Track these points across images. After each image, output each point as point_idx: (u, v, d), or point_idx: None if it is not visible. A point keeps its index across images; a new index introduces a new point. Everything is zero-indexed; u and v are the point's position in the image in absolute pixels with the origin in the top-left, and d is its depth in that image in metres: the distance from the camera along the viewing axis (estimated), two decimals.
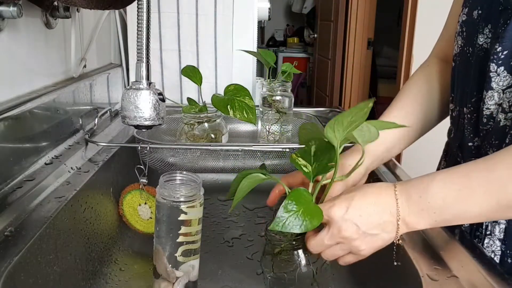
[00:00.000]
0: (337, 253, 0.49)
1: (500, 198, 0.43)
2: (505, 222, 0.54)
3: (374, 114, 2.99)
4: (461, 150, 0.60)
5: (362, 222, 0.46)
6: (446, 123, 0.67)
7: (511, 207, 0.43)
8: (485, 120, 0.54)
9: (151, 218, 0.73)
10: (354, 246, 0.48)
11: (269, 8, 1.09)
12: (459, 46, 0.58)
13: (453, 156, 0.64)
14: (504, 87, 0.51)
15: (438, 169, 0.70)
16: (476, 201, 0.43)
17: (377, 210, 0.47)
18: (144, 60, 0.57)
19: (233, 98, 0.82)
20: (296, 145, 0.82)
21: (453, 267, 0.47)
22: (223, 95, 0.86)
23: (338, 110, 1.12)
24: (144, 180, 0.71)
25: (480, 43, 0.54)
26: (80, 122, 0.83)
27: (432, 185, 0.45)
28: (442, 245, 0.51)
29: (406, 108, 0.63)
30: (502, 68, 0.51)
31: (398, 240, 0.48)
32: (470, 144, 0.58)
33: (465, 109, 0.58)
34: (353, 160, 0.56)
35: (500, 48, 0.50)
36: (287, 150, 0.79)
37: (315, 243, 0.49)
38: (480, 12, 0.54)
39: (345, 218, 0.47)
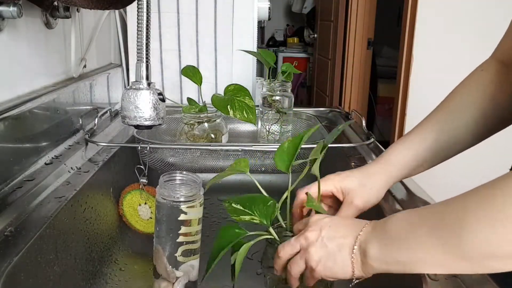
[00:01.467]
0: (296, 262, 0.47)
1: (450, 247, 0.37)
2: None
3: (374, 114, 3.00)
4: None
5: (327, 230, 0.45)
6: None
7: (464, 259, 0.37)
8: None
9: (151, 218, 0.73)
10: (309, 253, 0.45)
11: (269, 8, 1.10)
12: None
13: None
14: None
15: None
16: (422, 243, 0.39)
17: (346, 227, 0.45)
18: (144, 60, 0.57)
19: (233, 98, 0.82)
20: None
21: None
22: (223, 95, 0.86)
23: (338, 110, 1.12)
24: (144, 180, 0.71)
25: None
26: (80, 122, 0.83)
27: (397, 216, 0.42)
28: None
29: (442, 123, 0.56)
30: None
31: (355, 279, 0.45)
32: None
33: None
34: (377, 181, 0.55)
35: None
36: None
37: (284, 244, 0.49)
38: None
39: (317, 222, 0.47)
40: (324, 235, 0.45)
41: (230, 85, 0.84)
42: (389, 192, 0.65)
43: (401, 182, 0.68)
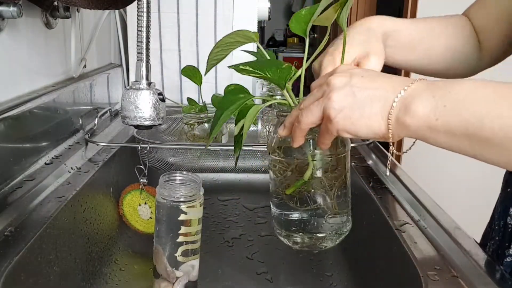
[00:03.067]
0: (311, 110, 0.39)
1: None
2: None
3: None
4: None
5: (358, 79, 0.38)
6: None
7: None
8: None
9: (151, 218, 0.73)
10: (330, 100, 0.38)
11: (269, 8, 1.09)
12: None
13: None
14: None
15: (497, 202, 0.60)
16: (499, 110, 0.33)
17: (384, 80, 0.38)
18: (144, 60, 0.57)
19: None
20: None
21: (454, 267, 0.47)
22: (223, 95, 0.86)
23: None
24: (144, 180, 0.71)
25: None
26: (80, 122, 0.83)
27: (466, 81, 0.36)
28: (442, 245, 0.51)
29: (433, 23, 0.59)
30: None
31: (391, 142, 0.38)
32: None
33: None
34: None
35: None
36: None
37: (306, 98, 0.42)
38: None
39: (348, 70, 0.40)
40: (354, 83, 0.38)
41: (230, 85, 0.84)
42: (389, 192, 0.65)
43: (398, 178, 0.69)
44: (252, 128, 0.95)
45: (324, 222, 0.46)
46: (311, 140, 0.45)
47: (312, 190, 0.45)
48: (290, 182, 0.45)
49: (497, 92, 0.34)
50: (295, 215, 0.46)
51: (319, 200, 0.45)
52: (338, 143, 0.46)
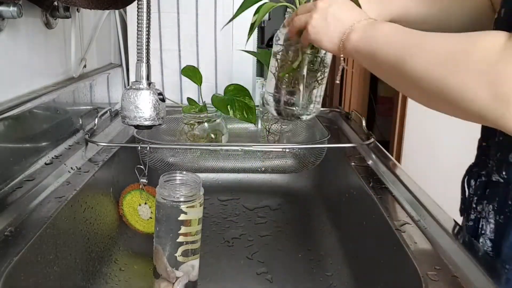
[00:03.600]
0: (300, 19, 0.56)
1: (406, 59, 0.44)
2: (493, 221, 0.53)
3: (374, 114, 2.99)
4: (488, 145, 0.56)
5: (334, 7, 0.53)
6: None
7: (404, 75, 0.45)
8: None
9: (151, 218, 0.73)
10: (311, 17, 0.54)
11: None
12: None
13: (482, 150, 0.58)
14: None
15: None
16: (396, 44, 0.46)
17: (348, 13, 0.52)
18: (144, 60, 0.57)
19: (233, 98, 0.82)
20: (296, 145, 0.82)
21: (453, 267, 0.47)
22: (223, 95, 0.86)
23: (338, 110, 1.12)
24: (144, 180, 0.71)
25: None
26: (80, 122, 0.83)
27: (391, 25, 0.49)
28: (442, 245, 0.51)
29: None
30: None
31: (342, 59, 0.53)
32: (484, 144, 0.56)
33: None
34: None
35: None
36: (287, 150, 0.79)
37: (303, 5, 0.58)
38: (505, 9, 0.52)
39: None
40: (330, 10, 0.53)
41: (230, 85, 0.84)
42: (389, 192, 0.65)
43: (398, 178, 0.69)
44: (252, 128, 0.95)
45: (298, 102, 0.65)
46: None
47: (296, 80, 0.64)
48: (285, 69, 0.64)
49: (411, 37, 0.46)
50: (282, 93, 0.65)
51: (300, 86, 0.64)
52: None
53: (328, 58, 0.65)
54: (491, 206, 0.53)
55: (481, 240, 0.54)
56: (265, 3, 0.64)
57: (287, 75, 0.64)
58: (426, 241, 0.52)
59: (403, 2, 0.68)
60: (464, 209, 0.60)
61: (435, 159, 1.86)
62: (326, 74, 0.66)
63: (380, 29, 0.49)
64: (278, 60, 0.65)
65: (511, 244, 0.50)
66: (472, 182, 0.57)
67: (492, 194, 0.53)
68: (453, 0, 0.66)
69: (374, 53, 0.48)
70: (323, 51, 0.64)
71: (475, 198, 0.56)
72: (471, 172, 0.58)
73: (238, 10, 0.66)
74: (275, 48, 0.66)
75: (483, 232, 0.54)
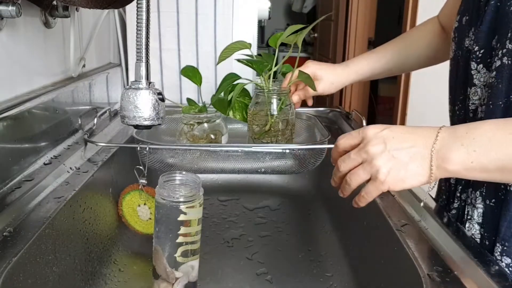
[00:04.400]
0: (359, 175, 0.48)
1: None
2: (482, 206, 0.56)
3: (375, 114, 2.99)
4: None
5: (392, 142, 0.46)
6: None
7: None
8: (471, 115, 0.58)
9: (150, 219, 0.73)
10: (375, 166, 0.46)
11: (269, 8, 1.09)
12: (453, 51, 0.63)
13: None
14: (484, 83, 0.56)
15: None
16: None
17: (413, 138, 0.46)
18: (144, 59, 0.56)
19: (233, 99, 0.82)
20: (296, 146, 0.82)
21: (454, 267, 0.47)
22: (222, 95, 0.85)
23: (338, 110, 1.11)
24: (144, 181, 0.71)
25: (466, 45, 0.59)
26: (79, 122, 0.83)
27: (483, 124, 0.45)
28: (443, 245, 0.51)
29: (399, 48, 0.81)
30: (481, 65, 0.56)
31: (431, 187, 0.46)
32: None
33: (456, 107, 0.62)
34: (334, 76, 0.81)
35: (477, 47, 0.56)
36: (287, 150, 0.79)
37: (343, 158, 0.50)
38: (467, 17, 0.59)
39: (377, 135, 0.47)
40: (390, 147, 0.46)
41: (229, 85, 0.84)
42: (389, 192, 0.65)
43: None
44: None
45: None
46: (274, 104, 0.79)
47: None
48: (259, 130, 0.81)
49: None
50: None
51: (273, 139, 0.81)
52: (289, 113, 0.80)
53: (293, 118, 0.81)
54: (478, 192, 0.56)
55: (467, 225, 0.57)
56: (238, 83, 0.80)
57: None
58: (426, 242, 0.52)
59: (367, 64, 0.82)
60: (445, 199, 0.64)
61: None
62: (293, 121, 0.81)
63: (479, 136, 0.44)
64: (253, 125, 0.82)
65: (509, 224, 0.53)
66: None
67: (477, 181, 0.55)
68: (408, 45, 0.81)
69: (496, 162, 0.43)
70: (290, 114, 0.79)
71: (459, 187, 0.60)
72: None
73: (218, 89, 0.84)
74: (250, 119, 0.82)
75: (469, 217, 0.57)
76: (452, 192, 0.62)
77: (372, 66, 0.81)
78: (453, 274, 0.46)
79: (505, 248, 0.53)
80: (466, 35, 0.59)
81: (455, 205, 0.61)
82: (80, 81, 0.85)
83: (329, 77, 0.80)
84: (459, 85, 0.61)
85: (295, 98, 0.81)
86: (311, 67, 0.81)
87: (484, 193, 0.55)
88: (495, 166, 0.43)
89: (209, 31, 1.06)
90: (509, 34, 0.51)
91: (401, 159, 0.45)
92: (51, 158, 0.70)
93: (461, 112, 0.61)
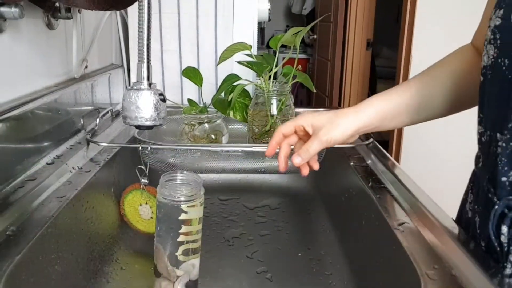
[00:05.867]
0: None
1: None
2: None
3: None
4: (493, 185, 0.50)
5: None
6: (458, 139, 0.62)
7: None
8: None
9: (152, 218, 0.73)
10: None
11: (269, 9, 1.10)
12: (491, 57, 0.48)
13: (483, 191, 0.53)
14: None
15: (463, 201, 0.60)
16: None
17: None
18: (145, 60, 0.57)
19: (233, 99, 0.83)
20: None
21: (453, 267, 0.47)
22: (223, 96, 0.86)
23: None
24: (145, 180, 0.71)
25: None
26: (82, 122, 0.83)
27: None
28: (441, 244, 0.52)
29: (419, 86, 0.60)
30: None
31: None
32: (504, 179, 0.47)
33: (499, 135, 0.47)
34: (345, 120, 0.57)
35: None
36: None
37: None
38: None
39: None
40: None
41: (230, 86, 0.85)
42: (388, 191, 0.66)
43: (397, 178, 0.69)
44: None
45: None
46: (274, 104, 0.81)
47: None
48: (259, 131, 0.83)
49: None
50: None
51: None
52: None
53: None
54: None
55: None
56: (238, 84, 0.80)
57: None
58: (424, 240, 0.52)
59: (376, 110, 0.60)
60: (497, 258, 0.49)
61: (433, 158, 1.86)
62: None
63: None
64: (254, 126, 0.82)
65: None
66: (505, 229, 0.47)
67: None
68: (432, 80, 0.60)
69: None
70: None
71: None
72: (501, 216, 0.48)
73: (218, 90, 0.85)
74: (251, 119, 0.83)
75: None
76: (505, 254, 0.48)
77: (387, 106, 0.60)
78: (451, 273, 0.46)
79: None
80: None
81: (508, 270, 0.47)
82: (82, 82, 0.85)
83: (332, 120, 0.58)
84: (507, 107, 0.45)
85: (296, 159, 0.58)
86: (304, 117, 0.61)
87: None
88: None
89: (209, 33, 1.06)
90: None
91: None
92: (54, 158, 0.70)
93: (509, 144, 0.46)
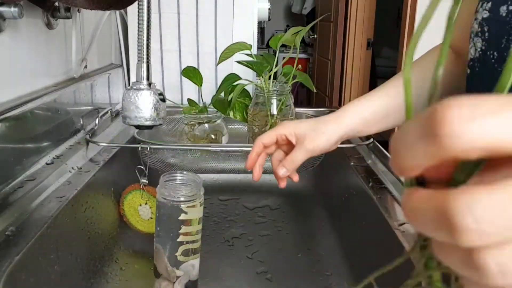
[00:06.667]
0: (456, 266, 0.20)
1: None
2: None
3: None
4: None
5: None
6: None
7: None
8: None
9: (151, 218, 0.73)
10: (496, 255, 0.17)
11: (269, 9, 1.10)
12: (479, 49, 0.48)
13: None
14: None
15: None
16: None
17: None
18: (145, 60, 0.57)
19: (233, 99, 0.83)
20: None
21: None
22: (223, 96, 0.86)
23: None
24: (145, 181, 0.71)
25: None
26: (81, 122, 0.83)
27: None
28: None
29: (400, 88, 0.58)
30: None
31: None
32: None
33: None
34: (328, 128, 0.56)
35: None
36: None
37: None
38: (511, 8, 0.45)
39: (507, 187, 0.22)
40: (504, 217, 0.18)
41: (230, 85, 0.84)
42: (388, 191, 0.66)
43: (398, 178, 0.69)
44: None
45: None
46: (274, 104, 0.80)
47: None
48: (259, 131, 0.82)
49: None
50: None
51: None
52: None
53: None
54: None
55: None
56: (238, 84, 0.80)
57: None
58: None
59: (357, 116, 0.58)
60: None
61: None
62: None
63: None
64: (255, 126, 0.82)
65: None
66: None
67: None
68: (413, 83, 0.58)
69: None
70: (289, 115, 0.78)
71: None
72: None
73: (218, 90, 0.85)
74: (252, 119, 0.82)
75: None
76: None
77: (370, 109, 0.59)
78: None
79: None
80: None
81: None
82: (82, 81, 0.85)
83: (315, 127, 0.57)
84: None
85: (281, 171, 0.55)
86: (285, 126, 0.58)
87: None
88: None
89: (209, 32, 1.06)
90: None
91: None
92: (53, 158, 0.70)
93: None
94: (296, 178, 0.58)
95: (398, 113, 0.59)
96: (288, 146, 0.58)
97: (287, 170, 0.55)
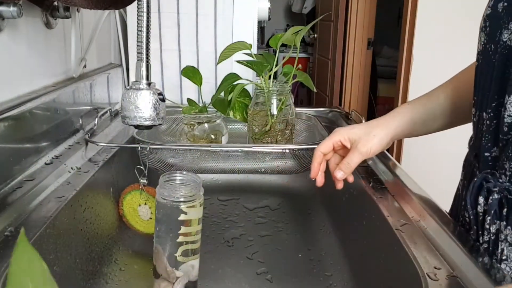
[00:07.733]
0: None
1: None
2: None
3: (374, 114, 2.99)
4: (478, 160, 0.53)
5: None
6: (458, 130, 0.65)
7: None
8: (505, 129, 0.47)
9: (151, 218, 0.73)
10: None
11: (269, 8, 1.09)
12: (482, 43, 0.52)
13: (470, 166, 0.57)
14: None
15: (459, 183, 0.63)
16: None
17: None
18: (144, 60, 0.57)
19: (233, 99, 0.82)
20: (296, 146, 0.82)
21: (453, 267, 0.47)
22: (223, 95, 0.86)
23: (338, 110, 1.12)
24: (144, 181, 0.71)
25: (504, 39, 0.47)
26: (80, 122, 0.83)
27: None
28: (442, 245, 0.51)
29: (449, 90, 0.62)
30: None
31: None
32: (487, 154, 0.51)
33: (484, 114, 0.51)
34: (379, 131, 0.60)
35: None
36: (287, 150, 0.79)
37: None
38: (505, 4, 0.48)
39: None
40: None
41: (230, 85, 0.84)
42: (388, 192, 0.65)
43: (398, 178, 0.69)
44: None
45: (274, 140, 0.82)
46: (274, 104, 0.81)
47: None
48: (259, 131, 0.83)
49: None
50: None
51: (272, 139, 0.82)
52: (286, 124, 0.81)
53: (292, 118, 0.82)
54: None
55: (503, 265, 0.50)
56: (238, 84, 0.80)
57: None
58: (426, 241, 0.52)
59: (405, 118, 0.62)
60: (474, 226, 0.53)
61: (434, 158, 1.86)
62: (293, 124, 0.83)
63: None
64: (255, 125, 0.83)
65: None
66: (481, 200, 0.51)
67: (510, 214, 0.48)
68: (463, 86, 0.61)
69: None
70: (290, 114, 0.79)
71: (488, 218, 0.50)
72: (479, 188, 0.51)
73: (218, 88, 0.85)
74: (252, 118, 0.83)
75: (504, 257, 0.50)
76: (480, 222, 0.52)
77: (419, 111, 0.62)
78: (452, 274, 0.46)
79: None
80: (505, 27, 0.47)
81: (485, 238, 0.51)
82: (81, 81, 0.85)
83: (367, 131, 0.61)
84: (491, 88, 0.50)
85: (339, 174, 0.60)
86: (339, 132, 0.62)
87: None
88: None
89: (209, 32, 1.06)
90: None
91: None
92: (52, 158, 0.70)
93: (493, 122, 0.50)
94: (351, 179, 0.63)
95: (444, 118, 0.62)
96: (344, 150, 0.63)
97: (344, 173, 0.60)
